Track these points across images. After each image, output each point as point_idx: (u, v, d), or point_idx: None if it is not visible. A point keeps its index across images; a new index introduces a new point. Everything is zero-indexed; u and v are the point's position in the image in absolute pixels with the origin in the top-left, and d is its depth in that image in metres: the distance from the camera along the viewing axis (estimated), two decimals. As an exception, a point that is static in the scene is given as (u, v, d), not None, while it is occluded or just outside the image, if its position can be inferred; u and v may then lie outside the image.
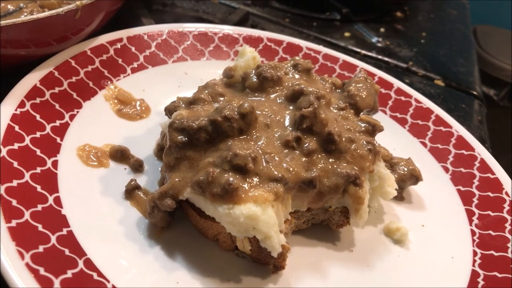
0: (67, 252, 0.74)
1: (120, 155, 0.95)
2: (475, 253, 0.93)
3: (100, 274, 0.74)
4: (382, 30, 1.83)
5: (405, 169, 1.02)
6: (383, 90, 1.25)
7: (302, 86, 0.92)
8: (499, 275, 0.87)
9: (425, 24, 1.97)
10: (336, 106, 0.96)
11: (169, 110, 0.94)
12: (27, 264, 0.68)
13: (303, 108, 0.87)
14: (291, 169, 0.81)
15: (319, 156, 0.85)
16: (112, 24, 1.19)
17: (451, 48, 1.82)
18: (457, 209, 1.02)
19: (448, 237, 0.96)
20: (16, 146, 0.84)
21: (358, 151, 0.87)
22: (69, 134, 0.95)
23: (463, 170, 1.09)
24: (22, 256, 0.69)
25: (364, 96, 0.99)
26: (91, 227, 0.81)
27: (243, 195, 0.76)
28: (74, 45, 1.08)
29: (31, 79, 0.96)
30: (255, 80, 0.95)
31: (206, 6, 1.63)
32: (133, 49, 1.18)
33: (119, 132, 1.01)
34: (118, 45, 1.16)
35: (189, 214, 0.86)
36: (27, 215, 0.75)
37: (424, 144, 1.16)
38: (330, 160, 0.85)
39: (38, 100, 0.95)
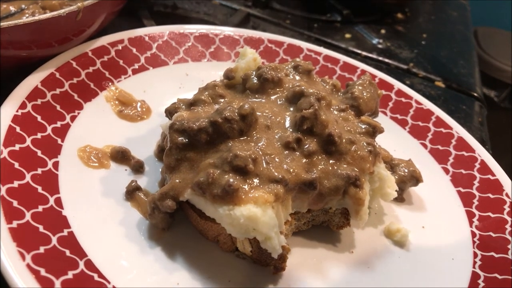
0: (68, 253, 0.74)
1: (121, 156, 0.95)
2: (475, 255, 0.93)
3: (100, 275, 0.74)
4: (382, 31, 1.83)
5: (406, 170, 1.02)
6: (383, 92, 1.25)
7: (303, 87, 0.92)
8: (500, 277, 0.87)
9: (426, 25, 1.98)
10: (336, 107, 0.96)
11: (169, 112, 0.94)
12: (28, 265, 0.68)
13: (304, 110, 0.87)
14: (291, 170, 0.81)
15: (320, 157, 0.85)
16: (113, 26, 1.19)
17: (452, 50, 1.82)
18: (457, 210, 1.02)
19: (448, 239, 0.96)
20: (17, 147, 0.85)
21: (359, 152, 0.87)
22: (70, 135, 0.95)
23: (463, 171, 1.09)
24: (23, 257, 0.69)
25: (367, 100, 1.00)
26: (92, 228, 0.81)
27: (243, 196, 0.76)
28: (76, 46, 1.08)
29: (32, 80, 0.97)
30: (255, 81, 0.95)
31: (207, 8, 1.63)
32: (134, 50, 1.18)
33: (120, 133, 1.01)
34: (119, 47, 1.16)
35: (189, 215, 0.86)
36: (28, 216, 0.75)
37: (425, 146, 1.16)
38: (331, 161, 0.86)
39: (39, 101, 0.95)
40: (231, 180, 0.76)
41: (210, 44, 1.29)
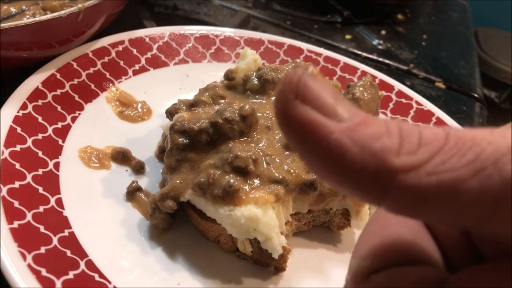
0: (68, 253, 0.74)
1: (122, 157, 0.96)
2: (476, 255, 0.92)
3: (101, 275, 0.74)
4: (383, 32, 1.83)
5: (406, 171, 1.02)
6: (384, 93, 1.25)
7: (303, 88, 0.92)
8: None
9: (426, 26, 1.98)
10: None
11: (170, 112, 0.94)
12: (29, 265, 0.68)
13: (304, 110, 0.87)
14: (292, 171, 0.81)
15: (320, 158, 0.85)
16: (114, 27, 1.19)
17: (452, 51, 1.82)
18: (458, 211, 1.02)
19: (449, 239, 0.96)
20: (18, 147, 0.85)
21: (359, 153, 0.87)
22: (70, 136, 0.95)
23: (464, 172, 1.09)
24: (24, 257, 0.69)
25: (368, 101, 1.00)
26: (93, 229, 0.81)
27: (244, 197, 0.76)
28: (76, 47, 1.08)
29: (33, 81, 0.97)
30: (256, 82, 0.95)
31: (208, 9, 1.64)
32: (134, 51, 1.18)
33: (120, 134, 1.01)
34: (120, 48, 1.16)
35: (190, 216, 0.86)
36: (29, 217, 0.76)
37: (425, 146, 1.16)
38: (331, 162, 0.85)
39: (40, 102, 0.95)
40: (232, 180, 0.76)
41: (211, 45, 1.29)
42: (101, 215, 0.85)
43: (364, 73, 1.29)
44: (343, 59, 1.34)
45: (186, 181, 0.81)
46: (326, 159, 0.31)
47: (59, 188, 0.85)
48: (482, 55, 2.87)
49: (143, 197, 0.89)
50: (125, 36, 1.19)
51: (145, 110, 1.09)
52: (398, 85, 1.29)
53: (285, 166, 0.82)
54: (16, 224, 0.73)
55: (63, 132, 0.95)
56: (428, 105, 1.24)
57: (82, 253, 0.76)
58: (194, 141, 0.83)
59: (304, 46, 1.35)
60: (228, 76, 0.99)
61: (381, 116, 1.13)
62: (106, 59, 1.12)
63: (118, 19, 1.20)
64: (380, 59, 1.65)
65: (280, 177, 0.79)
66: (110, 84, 1.10)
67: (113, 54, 1.14)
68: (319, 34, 1.70)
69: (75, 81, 1.04)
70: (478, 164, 0.29)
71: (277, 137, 0.86)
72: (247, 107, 0.84)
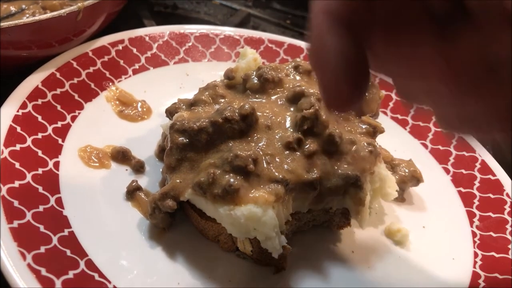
0: (68, 253, 0.74)
1: (122, 156, 0.95)
2: (476, 255, 0.93)
3: (101, 275, 0.74)
4: (383, 31, 1.82)
5: (406, 170, 1.02)
6: (384, 92, 1.25)
7: (303, 87, 0.92)
8: (500, 277, 0.88)
9: (426, 25, 1.97)
10: (337, 107, 0.96)
11: (170, 112, 0.94)
12: (28, 265, 0.68)
13: (304, 110, 0.87)
14: (292, 170, 0.81)
15: (320, 157, 0.85)
16: (114, 26, 1.19)
17: (452, 50, 1.81)
18: (458, 210, 1.02)
19: (449, 239, 0.96)
20: (18, 147, 0.85)
21: (359, 152, 0.87)
22: (70, 135, 0.95)
23: (464, 171, 1.09)
24: (24, 257, 0.69)
25: (368, 101, 1.00)
26: (93, 228, 0.81)
27: (243, 196, 0.76)
28: (76, 46, 1.08)
29: (33, 81, 0.97)
30: (256, 81, 0.95)
31: (208, 8, 1.63)
32: (134, 50, 1.18)
33: (120, 133, 1.01)
34: (120, 47, 1.16)
35: (190, 215, 0.86)
36: (28, 216, 0.76)
37: (425, 146, 1.16)
38: (331, 161, 0.85)
39: (39, 101, 0.95)
40: (232, 180, 0.76)
41: (211, 44, 1.29)
42: (101, 214, 0.84)
43: (364, 72, 1.28)
44: (343, 58, 1.33)
45: (186, 181, 0.81)
46: None
47: (59, 187, 0.85)
48: (482, 54, 2.87)
49: (143, 196, 0.89)
50: (125, 35, 1.19)
51: (145, 109, 1.09)
52: (398, 85, 1.28)
53: (285, 166, 0.81)
54: (16, 223, 0.73)
55: (63, 132, 0.95)
56: (428, 104, 1.24)
57: (82, 253, 0.76)
58: (194, 141, 0.83)
59: (304, 45, 1.35)
60: (228, 75, 0.99)
61: (381, 115, 1.13)
62: (106, 58, 1.12)
63: (117, 18, 1.20)
64: (380, 58, 1.64)
65: (280, 176, 0.79)
66: (110, 83, 1.10)
67: (113, 53, 1.14)
68: (319, 33, 1.69)
69: (75, 80, 1.04)
70: None
71: (277, 137, 0.86)
72: (247, 106, 0.84)
